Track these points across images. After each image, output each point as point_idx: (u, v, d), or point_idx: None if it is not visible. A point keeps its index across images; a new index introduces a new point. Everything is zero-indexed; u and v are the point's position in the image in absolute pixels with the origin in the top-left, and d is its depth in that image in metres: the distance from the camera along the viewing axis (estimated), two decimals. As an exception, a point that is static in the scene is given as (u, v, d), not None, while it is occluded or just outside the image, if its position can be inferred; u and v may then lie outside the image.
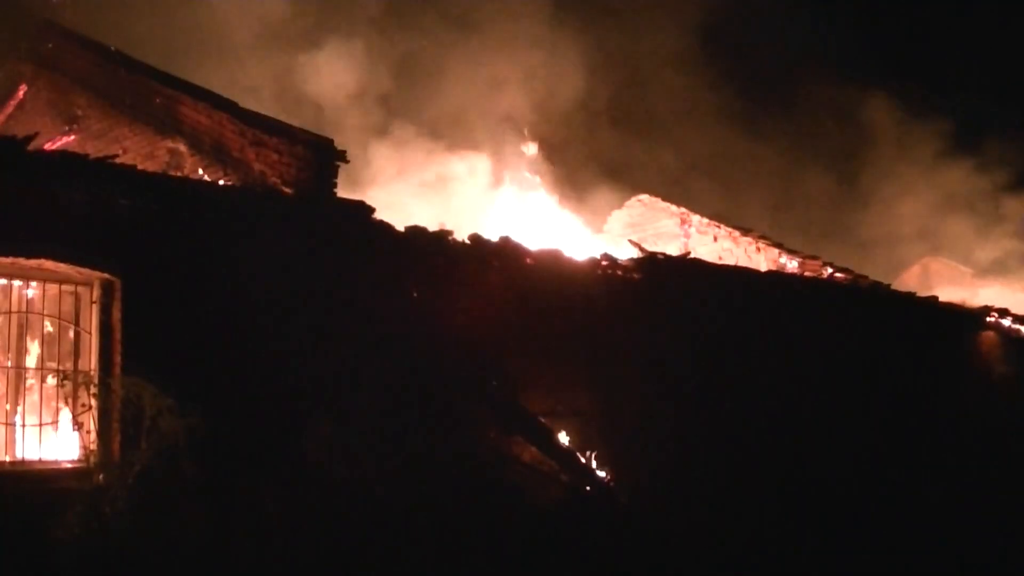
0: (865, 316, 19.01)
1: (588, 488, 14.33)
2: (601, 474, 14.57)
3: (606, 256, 16.02)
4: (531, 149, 24.59)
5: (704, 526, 14.92)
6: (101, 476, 11.21)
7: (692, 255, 19.37)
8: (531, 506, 13.73)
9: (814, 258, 21.05)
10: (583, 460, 14.53)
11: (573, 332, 14.85)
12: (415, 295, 13.49)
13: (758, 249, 21.58)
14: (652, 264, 16.54)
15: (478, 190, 23.36)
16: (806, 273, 20.62)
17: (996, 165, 34.77)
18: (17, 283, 11.82)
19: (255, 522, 11.79)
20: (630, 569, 13.72)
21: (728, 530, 15.14)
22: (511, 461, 13.96)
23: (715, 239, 22.21)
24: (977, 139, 35.95)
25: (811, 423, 17.01)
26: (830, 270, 20.66)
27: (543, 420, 14.41)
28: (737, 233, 22.08)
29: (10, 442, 11.93)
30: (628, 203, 23.91)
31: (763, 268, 20.61)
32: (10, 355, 12.20)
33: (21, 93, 19.16)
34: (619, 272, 15.97)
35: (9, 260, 11.17)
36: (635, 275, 16.08)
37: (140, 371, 11.42)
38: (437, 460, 13.09)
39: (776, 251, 21.39)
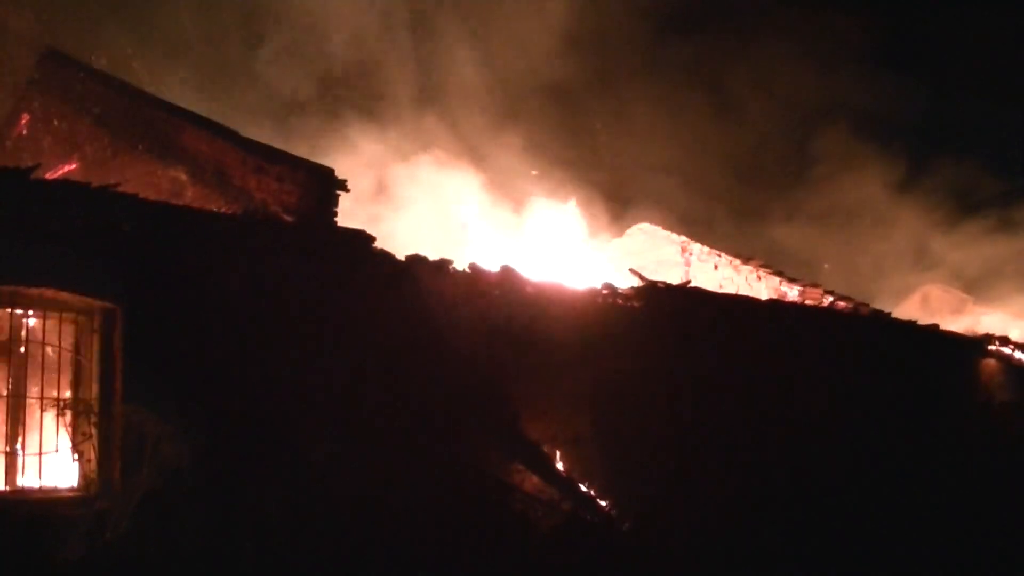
0: (866, 344, 19.01)
1: (589, 516, 14.31)
2: (602, 502, 14.55)
3: (606, 285, 16.02)
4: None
5: (706, 553, 14.90)
6: (102, 503, 11.20)
7: (693, 283, 19.38)
8: (531, 533, 13.72)
9: (815, 286, 21.08)
10: (584, 488, 14.52)
11: (574, 360, 14.84)
12: (416, 323, 13.49)
13: (759, 277, 21.61)
14: (653, 293, 16.53)
15: (482, 214, 23.44)
16: (807, 301, 20.64)
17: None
18: (19, 311, 11.84)
19: (258, 544, 11.79)
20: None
21: (731, 556, 15.11)
22: (511, 488, 13.94)
23: (716, 267, 22.26)
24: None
25: (813, 451, 17.00)
26: (831, 298, 20.67)
27: (544, 447, 14.41)
28: (738, 261, 22.12)
29: (11, 470, 11.93)
30: (629, 231, 24.00)
31: (764, 296, 20.63)
32: (11, 383, 12.21)
33: (23, 122, 19.20)
34: (619, 301, 15.98)
35: (11, 288, 11.19)
36: (635, 304, 16.08)
37: (141, 398, 11.44)
38: (435, 486, 13.08)
39: (777, 279, 21.42)
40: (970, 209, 35.02)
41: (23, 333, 11.99)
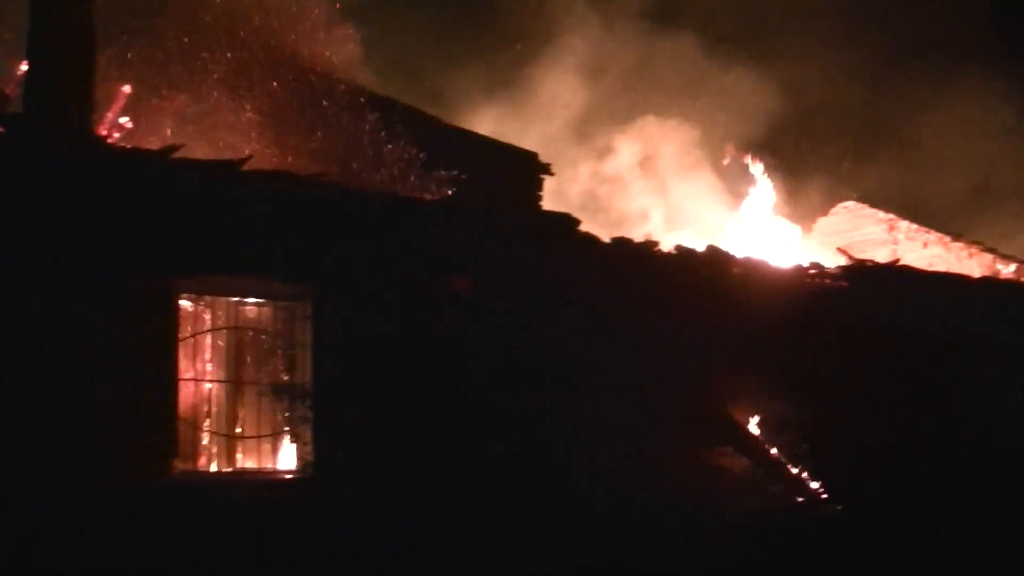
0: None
1: (800, 498, 14.14)
2: (813, 484, 14.34)
3: (813, 264, 15.78)
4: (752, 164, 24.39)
5: (923, 537, 14.56)
6: (318, 486, 11.43)
7: (901, 262, 18.96)
8: (738, 517, 13.58)
9: (1031, 262, 20.48)
10: (794, 470, 14.33)
11: (780, 341, 14.62)
12: (622, 306, 13.44)
13: (970, 255, 21.09)
14: (860, 272, 16.23)
15: (689, 198, 23.36)
16: (1023, 279, 20.03)
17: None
18: (235, 299, 12.16)
19: (474, 534, 11.87)
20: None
21: (948, 541, 14.73)
22: (718, 471, 13.83)
23: (925, 245, 21.79)
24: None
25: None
26: (1050, 275, 20.04)
27: (752, 430, 14.27)
28: (948, 239, 21.60)
29: (231, 453, 12.31)
30: (833, 210, 23.64)
31: (976, 274, 20.07)
32: (229, 369, 12.56)
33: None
34: (827, 280, 15.71)
35: (225, 277, 11.47)
36: (843, 283, 15.79)
37: (353, 383, 11.64)
38: (644, 470, 13.03)
39: (989, 256, 20.84)
40: None
41: (239, 320, 12.33)
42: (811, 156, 31.48)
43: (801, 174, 28.12)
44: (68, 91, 11.84)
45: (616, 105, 28.00)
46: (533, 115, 26.01)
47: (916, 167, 32.31)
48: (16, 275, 10.06)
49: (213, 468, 12.23)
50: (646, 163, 25.18)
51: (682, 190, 24.52)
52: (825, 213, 23.89)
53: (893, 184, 31.19)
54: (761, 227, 22.84)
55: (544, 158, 17.23)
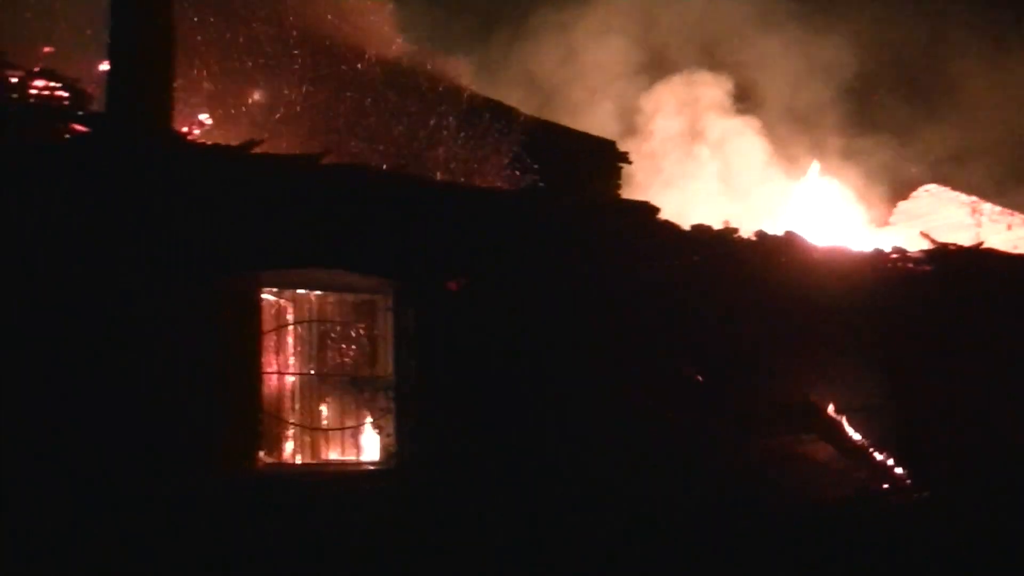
0: None
1: (884, 484, 14.01)
2: (898, 470, 14.21)
3: (896, 248, 15.62)
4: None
5: (1010, 525, 14.37)
6: (401, 476, 11.49)
7: (984, 245, 18.71)
8: (818, 504, 13.48)
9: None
10: (879, 456, 14.21)
11: (862, 326, 14.50)
12: (702, 292, 13.37)
13: (1055, 236, 20.80)
14: (943, 255, 16.03)
15: (761, 184, 23.23)
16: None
17: None
18: (318, 292, 12.25)
19: (534, 525, 11.87)
20: (935, 563, 13.37)
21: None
22: (801, 458, 13.74)
23: (1009, 227, 21.49)
24: None
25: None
26: None
27: (836, 416, 14.16)
28: (1034, 220, 21.34)
29: (315, 444, 12.41)
30: (914, 194, 23.41)
31: (1063, 255, 19.79)
32: (311, 362, 12.66)
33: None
34: (909, 264, 15.55)
35: (308, 271, 11.56)
36: (926, 267, 15.62)
37: (434, 375, 11.68)
38: (722, 456, 12.98)
39: (1077, 237, 20.57)
40: None
41: (322, 313, 12.42)
42: (870, 121, 31.50)
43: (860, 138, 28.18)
44: (149, 89, 11.98)
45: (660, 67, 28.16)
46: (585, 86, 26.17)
47: (974, 133, 32.24)
48: (100, 271, 10.19)
49: (298, 459, 12.34)
50: (695, 131, 25.13)
51: (737, 161, 24.47)
52: (903, 194, 23.74)
53: (951, 152, 31.18)
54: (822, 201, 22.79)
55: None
